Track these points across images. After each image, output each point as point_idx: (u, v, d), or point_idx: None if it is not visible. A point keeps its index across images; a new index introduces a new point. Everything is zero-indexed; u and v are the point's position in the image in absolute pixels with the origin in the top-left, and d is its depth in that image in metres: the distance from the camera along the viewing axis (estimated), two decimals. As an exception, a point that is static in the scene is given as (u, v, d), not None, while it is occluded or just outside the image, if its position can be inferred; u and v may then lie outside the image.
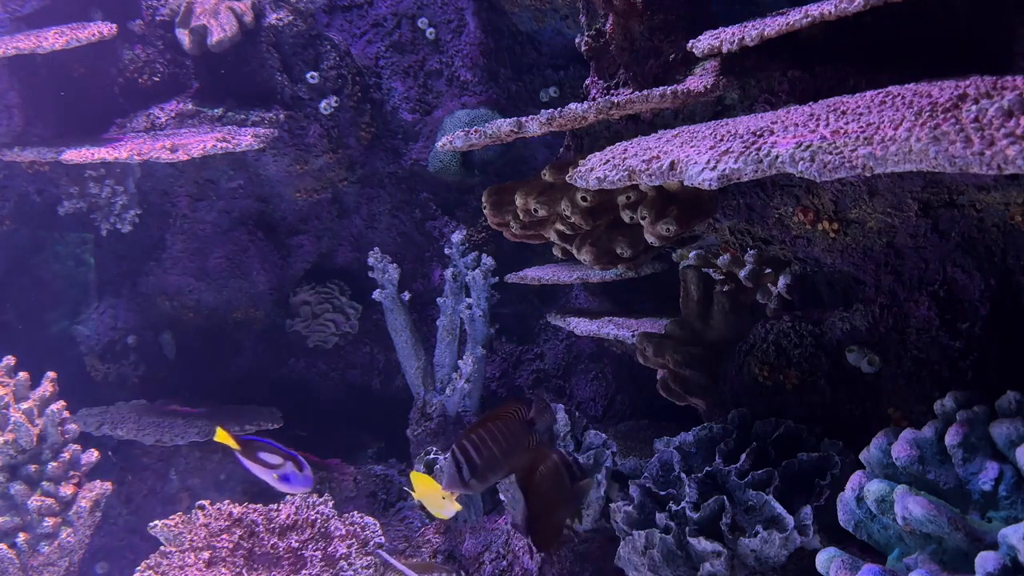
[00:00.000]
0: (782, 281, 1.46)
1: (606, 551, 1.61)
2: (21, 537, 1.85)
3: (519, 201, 1.53)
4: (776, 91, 1.42)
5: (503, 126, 1.37)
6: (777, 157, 0.93)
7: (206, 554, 1.81)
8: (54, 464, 1.91)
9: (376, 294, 2.35)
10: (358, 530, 1.88)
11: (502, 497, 1.80)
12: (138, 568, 1.81)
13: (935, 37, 1.32)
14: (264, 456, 1.49)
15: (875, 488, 1.07)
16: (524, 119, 1.37)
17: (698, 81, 1.45)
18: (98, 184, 2.32)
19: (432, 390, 2.35)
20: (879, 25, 1.35)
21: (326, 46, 2.40)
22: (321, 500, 1.94)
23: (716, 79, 1.44)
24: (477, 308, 2.30)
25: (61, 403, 1.97)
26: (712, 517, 1.34)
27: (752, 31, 1.27)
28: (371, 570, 1.80)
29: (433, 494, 1.48)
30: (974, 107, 0.85)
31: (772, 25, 1.25)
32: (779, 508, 1.29)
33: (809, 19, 1.20)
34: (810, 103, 1.14)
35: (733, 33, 1.32)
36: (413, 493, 1.51)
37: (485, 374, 2.41)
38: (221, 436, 1.51)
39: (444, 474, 1.27)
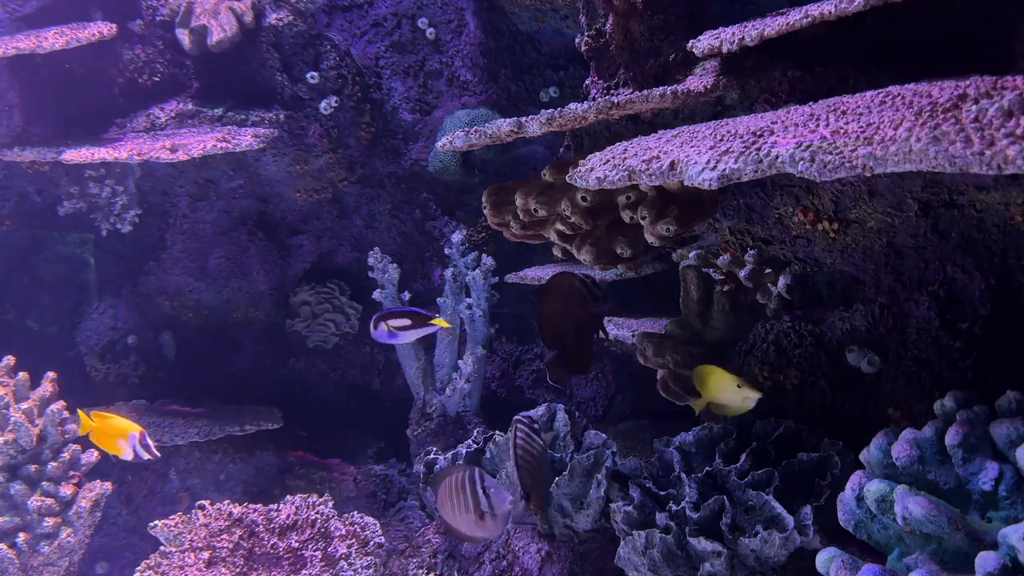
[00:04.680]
0: (782, 281, 1.46)
1: (606, 551, 1.61)
2: (21, 537, 1.85)
3: (519, 201, 1.53)
4: (776, 91, 1.42)
5: (503, 126, 1.37)
6: (777, 157, 0.93)
7: (206, 554, 1.81)
8: (54, 464, 1.91)
9: (376, 294, 2.34)
10: (358, 530, 1.88)
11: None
12: (138, 568, 1.81)
13: (935, 37, 1.32)
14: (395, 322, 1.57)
15: (875, 488, 1.07)
16: (524, 119, 1.37)
17: (698, 81, 1.45)
18: (98, 184, 2.32)
19: (432, 390, 2.35)
20: (879, 25, 1.35)
21: (326, 46, 2.40)
22: (321, 500, 1.94)
23: (716, 79, 1.43)
24: (477, 308, 2.30)
25: (61, 403, 1.97)
26: (712, 517, 1.34)
27: (752, 31, 1.27)
28: (371, 570, 1.80)
29: (727, 386, 1.36)
30: (974, 107, 0.85)
31: (772, 25, 1.25)
32: (779, 508, 1.29)
33: (809, 19, 1.20)
34: (810, 103, 1.14)
35: (733, 33, 1.32)
36: (700, 397, 1.41)
37: (485, 374, 2.41)
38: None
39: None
